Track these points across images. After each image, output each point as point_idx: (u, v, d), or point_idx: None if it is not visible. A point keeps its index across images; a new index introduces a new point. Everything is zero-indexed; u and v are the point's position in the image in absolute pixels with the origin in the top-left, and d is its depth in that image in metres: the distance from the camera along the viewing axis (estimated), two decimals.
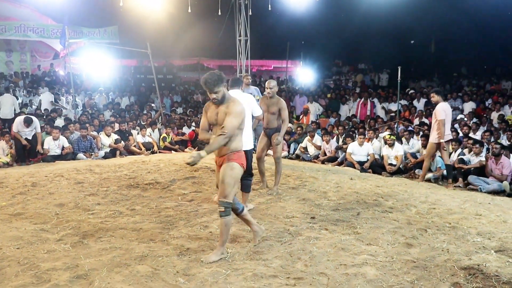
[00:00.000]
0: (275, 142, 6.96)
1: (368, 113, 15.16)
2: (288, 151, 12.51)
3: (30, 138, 11.07)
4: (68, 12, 16.33)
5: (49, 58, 21.91)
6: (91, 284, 3.76)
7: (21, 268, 4.07)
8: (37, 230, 5.21)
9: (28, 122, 11.00)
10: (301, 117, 15.36)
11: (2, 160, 10.68)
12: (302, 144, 12.12)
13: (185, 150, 13.28)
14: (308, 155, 11.84)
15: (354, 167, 10.21)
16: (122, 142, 12.32)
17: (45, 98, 15.73)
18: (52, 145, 11.35)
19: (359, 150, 10.49)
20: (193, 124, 14.67)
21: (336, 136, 12.23)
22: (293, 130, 13.48)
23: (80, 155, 11.48)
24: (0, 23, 16.19)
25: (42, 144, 11.29)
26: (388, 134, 10.57)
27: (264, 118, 7.06)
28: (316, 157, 11.69)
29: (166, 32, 20.63)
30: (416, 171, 9.54)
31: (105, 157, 11.70)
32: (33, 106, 15.74)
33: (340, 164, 10.82)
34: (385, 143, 10.41)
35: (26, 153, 11.06)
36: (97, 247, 4.65)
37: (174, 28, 20.92)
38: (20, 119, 11.17)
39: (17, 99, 15.05)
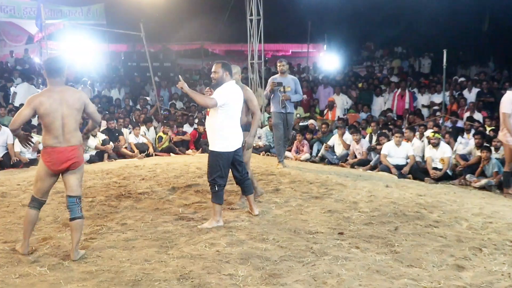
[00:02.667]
0: (244, 145, 6.54)
1: (407, 106, 15.04)
2: (310, 153, 12.46)
3: (0, 154, 11.05)
4: None
5: (21, 43, 21.92)
6: None
7: None
8: (6, 250, 5.20)
9: None
10: (325, 112, 15.31)
11: None
12: (329, 142, 12.04)
13: (187, 152, 13.29)
14: (335, 157, 11.77)
15: (390, 172, 10.12)
16: (111, 143, 12.34)
17: (22, 91, 15.70)
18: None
19: (396, 151, 10.40)
20: (196, 121, 14.68)
21: (368, 135, 12.16)
22: (317, 128, 13.43)
23: None
24: None
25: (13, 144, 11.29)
26: (432, 132, 10.46)
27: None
28: (345, 159, 11.62)
29: (163, 11, 20.70)
30: (467, 176, 9.43)
31: (90, 161, 11.72)
32: None
33: (373, 168, 10.74)
34: (429, 142, 10.31)
35: None
36: (81, 270, 4.63)
37: (173, 7, 20.96)
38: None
39: None
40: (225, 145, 5.88)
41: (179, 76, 6.17)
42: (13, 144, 11.15)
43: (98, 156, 12.01)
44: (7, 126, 11.12)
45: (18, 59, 20.43)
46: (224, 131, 5.86)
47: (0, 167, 10.90)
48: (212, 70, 6.08)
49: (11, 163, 11.08)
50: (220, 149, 5.87)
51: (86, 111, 5.06)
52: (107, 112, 14.76)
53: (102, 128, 12.85)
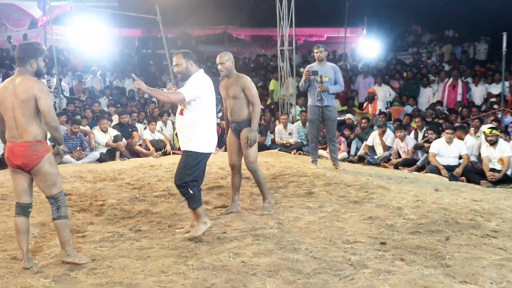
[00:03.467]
0: (247, 143, 6.64)
1: (459, 98, 14.87)
2: (348, 152, 12.41)
3: None
4: None
5: (23, 28, 22.11)
6: None
7: None
8: (7, 259, 5.27)
9: None
10: (365, 105, 15.27)
11: None
12: (368, 142, 11.99)
13: None
14: (376, 157, 11.71)
15: (440, 174, 10.02)
16: (124, 139, 12.45)
17: None
18: None
19: (447, 150, 10.29)
20: (220, 115, 14.72)
21: (414, 131, 12.06)
22: (355, 123, 13.37)
23: (67, 157, 11.58)
24: None
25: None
26: (490, 128, 10.31)
27: (225, 108, 7.10)
28: (387, 159, 11.54)
29: None
30: None
31: (101, 159, 11.84)
32: None
33: (420, 169, 10.65)
34: (486, 140, 10.17)
35: None
36: (89, 282, 4.66)
37: None
38: None
39: None
40: (205, 145, 5.80)
41: (133, 75, 6.10)
42: None
43: (109, 154, 12.13)
44: None
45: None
46: (203, 128, 5.78)
47: (0, 166, 11.04)
48: (174, 63, 5.94)
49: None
50: (200, 150, 5.76)
51: (39, 108, 4.93)
52: (119, 105, 14.90)
53: (114, 123, 12.95)
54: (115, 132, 12.48)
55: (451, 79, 15.25)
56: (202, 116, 5.77)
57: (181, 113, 5.82)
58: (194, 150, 5.73)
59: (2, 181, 9.18)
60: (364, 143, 12.14)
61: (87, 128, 12.70)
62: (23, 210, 5.12)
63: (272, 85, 16.75)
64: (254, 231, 6.02)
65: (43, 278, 4.72)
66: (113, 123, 12.97)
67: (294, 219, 6.51)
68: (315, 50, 9.99)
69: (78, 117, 12.68)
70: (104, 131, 12.43)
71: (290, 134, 13.36)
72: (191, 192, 5.72)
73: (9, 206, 7.34)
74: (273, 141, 13.74)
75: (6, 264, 5.12)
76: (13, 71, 16.70)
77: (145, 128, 13.27)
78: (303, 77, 9.84)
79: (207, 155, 5.82)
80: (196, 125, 5.75)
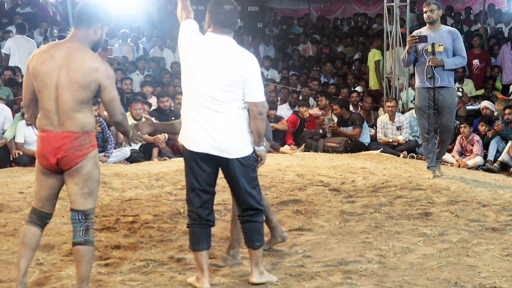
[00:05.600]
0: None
1: None
2: (485, 156, 12.20)
3: None
4: None
5: None
6: None
7: None
8: None
9: None
10: (511, 88, 14.98)
11: None
12: None
13: (281, 149, 13.39)
14: None
15: None
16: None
17: (19, 47, 16.30)
18: (31, 135, 11.69)
19: None
20: (300, 99, 14.78)
21: None
22: (496, 114, 13.14)
23: None
24: None
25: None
26: None
27: None
28: None
29: None
30: None
31: (132, 159, 12.03)
32: None
33: None
34: None
35: None
36: None
37: None
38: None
39: None
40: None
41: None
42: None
43: (144, 152, 12.27)
44: (4, 100, 11.68)
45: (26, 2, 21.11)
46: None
47: None
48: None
49: (11, 158, 11.53)
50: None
51: (101, 99, 5.08)
52: (156, 85, 15.05)
53: (151, 109, 13.07)
54: None
55: None
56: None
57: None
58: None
59: None
60: (510, 143, 11.92)
61: None
62: (41, 220, 5.19)
63: (376, 56, 16.59)
64: (344, 266, 6.02)
65: None
66: (150, 109, 13.09)
67: (402, 250, 6.47)
68: (425, 9, 9.86)
69: (98, 99, 12.85)
70: (137, 119, 12.54)
71: (398, 128, 13.25)
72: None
73: (5, 220, 7.53)
74: (374, 138, 13.67)
75: None
76: (9, 35, 17.13)
77: None
78: (407, 46, 9.78)
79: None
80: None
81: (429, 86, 9.56)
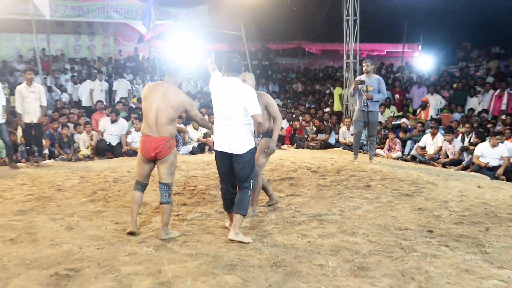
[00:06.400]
0: (266, 152, 6.17)
1: (504, 107, 14.34)
2: (403, 151, 12.22)
3: (114, 143, 11.80)
4: None
5: (133, 42, 22.73)
6: None
7: (101, 271, 4.31)
8: (118, 230, 5.52)
9: (116, 113, 11.78)
10: (418, 111, 14.95)
11: (82, 153, 11.44)
12: (420, 143, 11.79)
13: (282, 147, 13.42)
14: (425, 157, 11.50)
15: (483, 173, 9.75)
16: (212, 136, 12.64)
17: (121, 86, 16.32)
18: (136, 137, 11.93)
19: (490, 152, 10.00)
20: (293, 117, 14.79)
21: (461, 135, 11.77)
22: (409, 126, 13.17)
23: None
24: (82, 4, 16.46)
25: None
26: None
27: None
28: (436, 159, 11.31)
29: (262, 12, 20.82)
30: None
31: (193, 152, 12.12)
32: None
33: (465, 168, 10.39)
34: None
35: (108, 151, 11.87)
36: (182, 252, 4.81)
37: (271, 8, 21.09)
38: (106, 119, 11.93)
39: (100, 86, 15.73)
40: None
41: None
42: (126, 134, 11.80)
43: (200, 148, 12.41)
44: (124, 119, 11.89)
45: (129, 56, 21.21)
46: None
47: (114, 155, 11.51)
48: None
49: (122, 151, 11.69)
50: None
51: (189, 116, 5.47)
52: (208, 107, 15.11)
53: None
54: (205, 130, 12.72)
55: (498, 91, 14.70)
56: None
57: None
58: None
59: (114, 167, 9.55)
60: (417, 144, 11.93)
61: (182, 126, 13.00)
62: (142, 187, 5.40)
63: (338, 91, 16.60)
64: (319, 217, 6.06)
65: (146, 247, 4.92)
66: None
67: (353, 207, 6.51)
68: (363, 64, 10.10)
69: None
70: (196, 128, 12.70)
71: (352, 135, 13.25)
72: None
73: (119, 187, 7.62)
74: (337, 140, 13.69)
75: (117, 234, 5.37)
76: (122, 78, 17.18)
77: None
78: (352, 86, 9.98)
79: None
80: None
81: (364, 110, 9.75)
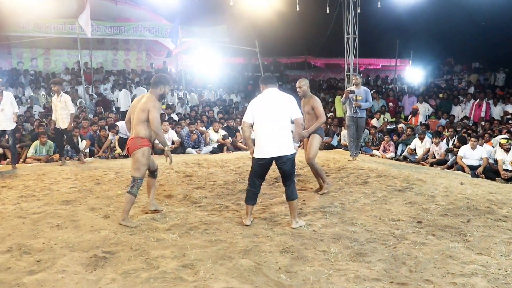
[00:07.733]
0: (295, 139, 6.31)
1: (483, 115, 14.23)
2: (395, 152, 12.14)
3: None
4: (180, 12, 16.90)
5: (162, 56, 22.90)
6: (196, 273, 3.93)
7: (133, 254, 4.35)
8: (148, 219, 5.52)
9: None
10: (409, 117, 14.86)
11: (118, 151, 11.45)
12: (411, 146, 11.70)
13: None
14: (415, 157, 11.41)
15: (465, 171, 9.66)
16: (230, 138, 12.67)
17: (139, 93, 16.33)
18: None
19: (471, 153, 9.91)
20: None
21: (446, 138, 11.67)
22: (401, 131, 13.09)
23: (189, 149, 11.98)
24: (120, 24, 17.03)
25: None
26: (504, 138, 9.86)
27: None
28: (425, 158, 11.23)
29: (274, 30, 20.80)
30: None
31: (213, 152, 12.10)
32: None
33: (450, 167, 10.30)
34: (501, 147, 9.74)
35: None
36: (203, 238, 4.83)
37: (282, 26, 21.05)
38: (122, 123, 11.91)
39: (131, 94, 16.12)
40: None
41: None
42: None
43: (219, 149, 12.38)
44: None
45: (159, 69, 21.34)
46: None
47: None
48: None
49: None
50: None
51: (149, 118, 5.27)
52: (226, 113, 15.19)
53: (223, 126, 13.23)
54: (224, 132, 12.73)
55: (477, 100, 14.61)
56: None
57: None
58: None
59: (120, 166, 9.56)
60: (408, 146, 11.84)
61: (203, 129, 13.01)
62: (152, 175, 5.69)
63: (339, 100, 16.51)
64: (323, 209, 6.04)
65: (172, 234, 4.95)
66: (222, 126, 13.22)
67: (353, 201, 6.47)
68: (353, 77, 10.18)
69: (198, 121, 13.10)
70: (216, 131, 12.71)
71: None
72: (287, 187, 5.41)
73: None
74: (339, 142, 13.62)
75: (147, 222, 5.39)
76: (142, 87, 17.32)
77: None
78: (344, 95, 9.97)
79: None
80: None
81: (354, 116, 9.77)
